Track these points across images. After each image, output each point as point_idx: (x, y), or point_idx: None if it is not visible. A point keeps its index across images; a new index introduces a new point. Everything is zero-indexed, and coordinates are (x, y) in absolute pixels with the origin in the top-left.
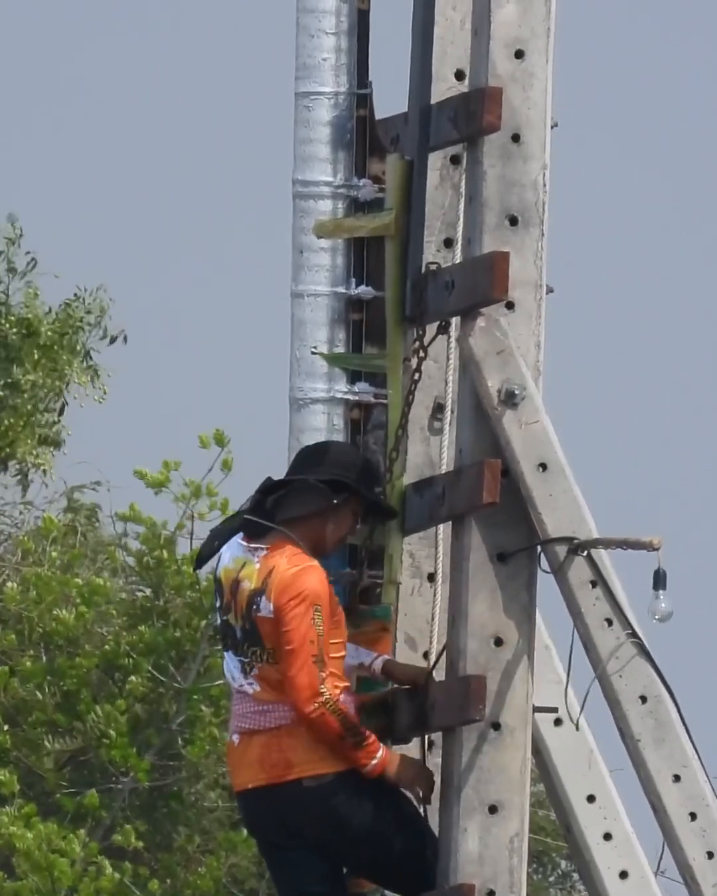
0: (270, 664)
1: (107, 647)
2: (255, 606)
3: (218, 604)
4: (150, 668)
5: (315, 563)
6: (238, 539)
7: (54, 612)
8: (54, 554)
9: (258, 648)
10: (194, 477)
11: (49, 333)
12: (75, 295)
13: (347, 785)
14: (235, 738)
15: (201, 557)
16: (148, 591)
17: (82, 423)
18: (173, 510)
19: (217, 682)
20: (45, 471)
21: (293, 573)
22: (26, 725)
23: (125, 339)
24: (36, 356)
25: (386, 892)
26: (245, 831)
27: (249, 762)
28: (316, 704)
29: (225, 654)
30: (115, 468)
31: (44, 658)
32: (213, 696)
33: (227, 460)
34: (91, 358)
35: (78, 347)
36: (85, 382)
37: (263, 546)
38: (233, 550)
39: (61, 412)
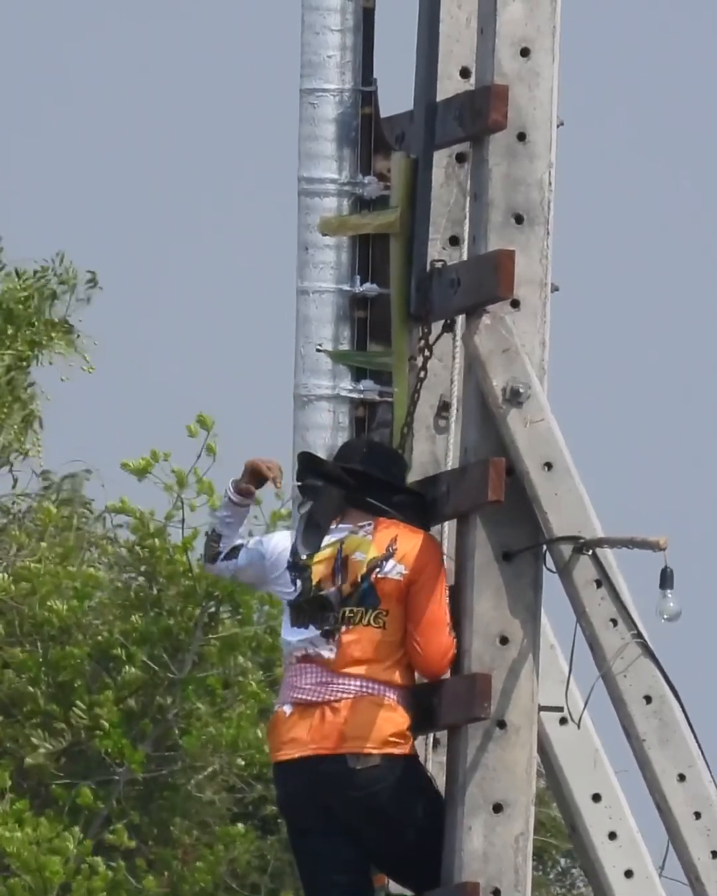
0: (373, 627)
1: (100, 636)
2: (376, 569)
3: (302, 586)
4: (145, 658)
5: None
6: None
7: (48, 604)
8: (44, 545)
9: (364, 609)
10: (187, 469)
11: (16, 306)
12: (43, 267)
13: (390, 776)
14: (287, 708)
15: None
16: (141, 580)
17: (82, 420)
18: (163, 498)
19: (212, 672)
20: (29, 454)
21: (424, 538)
22: (21, 716)
23: (96, 282)
24: (2, 323)
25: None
26: (241, 826)
27: (297, 733)
28: (448, 664)
29: (290, 629)
30: (115, 466)
31: (39, 647)
32: (208, 685)
33: (211, 446)
34: (71, 328)
35: (56, 319)
36: (68, 351)
37: (366, 522)
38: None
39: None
